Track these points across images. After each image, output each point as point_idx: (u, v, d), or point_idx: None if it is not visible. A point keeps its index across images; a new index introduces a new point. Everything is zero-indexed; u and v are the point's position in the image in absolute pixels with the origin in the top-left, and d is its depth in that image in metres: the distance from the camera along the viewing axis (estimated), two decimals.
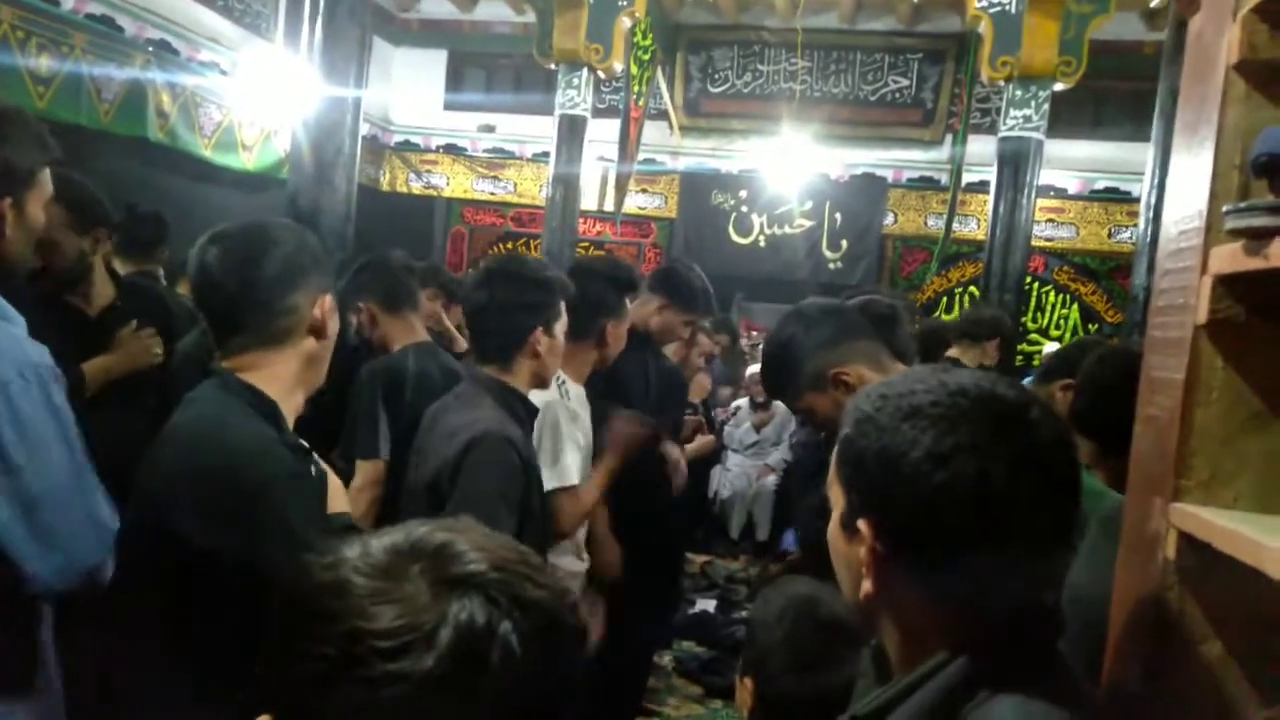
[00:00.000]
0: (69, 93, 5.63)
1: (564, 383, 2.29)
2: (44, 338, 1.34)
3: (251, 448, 1.22)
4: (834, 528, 0.86)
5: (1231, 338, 0.94)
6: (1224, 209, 0.89)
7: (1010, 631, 0.78)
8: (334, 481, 1.37)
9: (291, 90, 5.59)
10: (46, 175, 1.42)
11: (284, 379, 1.31)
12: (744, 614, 4.59)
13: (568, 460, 2.16)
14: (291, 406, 1.33)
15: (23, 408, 1.23)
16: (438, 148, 9.79)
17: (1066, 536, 0.80)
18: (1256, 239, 0.83)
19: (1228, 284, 0.92)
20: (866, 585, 0.80)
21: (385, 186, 9.75)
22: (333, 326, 1.36)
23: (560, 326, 1.93)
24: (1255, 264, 0.84)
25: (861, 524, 0.80)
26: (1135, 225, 6.58)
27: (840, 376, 1.54)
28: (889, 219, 9.09)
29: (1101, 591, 1.16)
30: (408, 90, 9.63)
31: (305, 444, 1.33)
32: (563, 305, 1.93)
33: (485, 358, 1.90)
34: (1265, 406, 0.95)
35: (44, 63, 5.48)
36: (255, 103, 7.20)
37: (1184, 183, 1.06)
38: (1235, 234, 0.87)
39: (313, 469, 1.31)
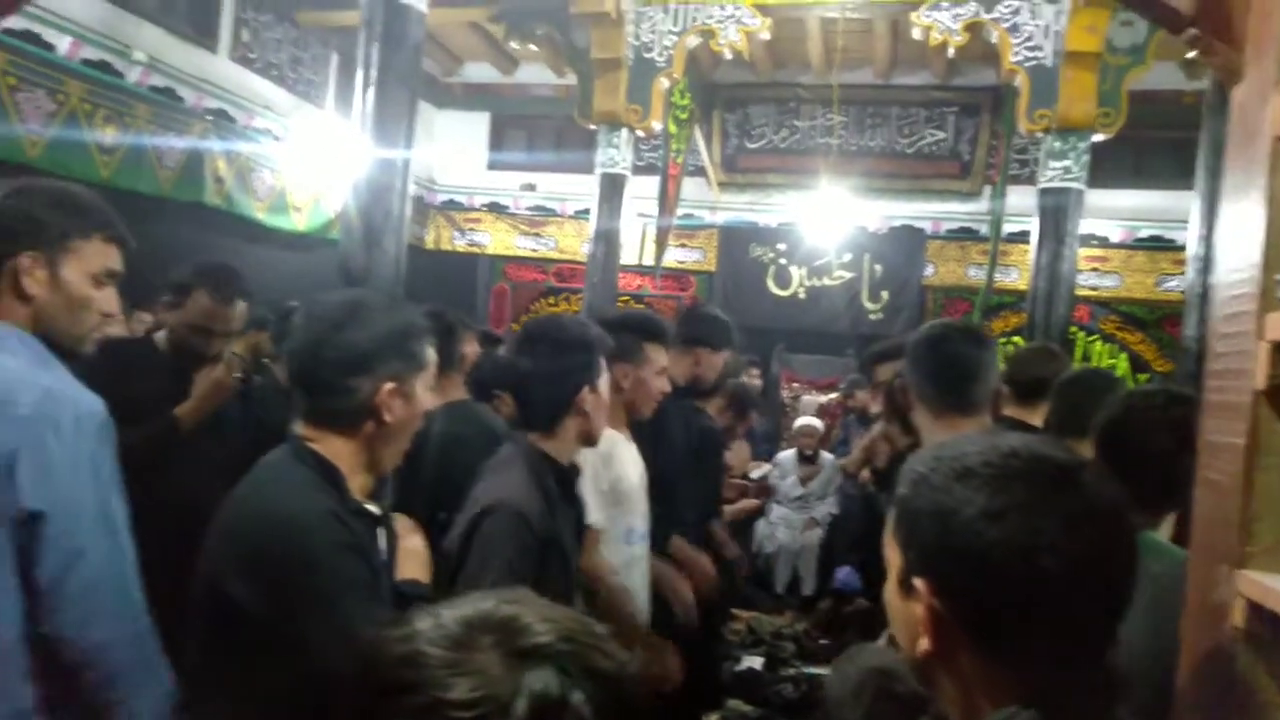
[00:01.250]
0: (132, 161, 5.88)
1: None
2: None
3: (305, 520, 1.24)
4: (891, 586, 0.87)
5: None
6: (1278, 277, 0.90)
7: (1068, 692, 0.78)
8: (408, 547, 1.37)
9: (342, 154, 5.78)
10: (96, 248, 1.42)
11: (344, 456, 1.33)
12: (792, 671, 4.50)
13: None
14: (357, 481, 1.34)
15: (67, 452, 1.26)
16: (481, 206, 10.03)
17: (1123, 595, 0.80)
18: None
19: None
20: (924, 643, 0.81)
21: (430, 244, 9.98)
22: (398, 413, 1.34)
23: (604, 382, 1.90)
24: None
25: (918, 582, 0.81)
26: (1182, 273, 6.48)
27: None
28: (928, 270, 9.07)
29: (1160, 648, 1.13)
30: (452, 151, 9.91)
31: (373, 511, 1.35)
32: (604, 361, 1.91)
33: (531, 424, 1.86)
34: None
35: (109, 133, 5.74)
36: (306, 166, 7.46)
37: (1234, 247, 1.06)
38: None
39: (381, 537, 1.33)
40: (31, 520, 1.23)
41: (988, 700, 0.79)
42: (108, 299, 1.45)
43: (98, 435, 1.31)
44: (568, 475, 1.88)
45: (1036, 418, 2.41)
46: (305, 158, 7.42)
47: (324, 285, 5.81)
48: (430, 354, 1.40)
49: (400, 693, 0.58)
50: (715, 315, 3.01)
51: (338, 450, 1.32)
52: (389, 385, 1.33)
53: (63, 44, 5.48)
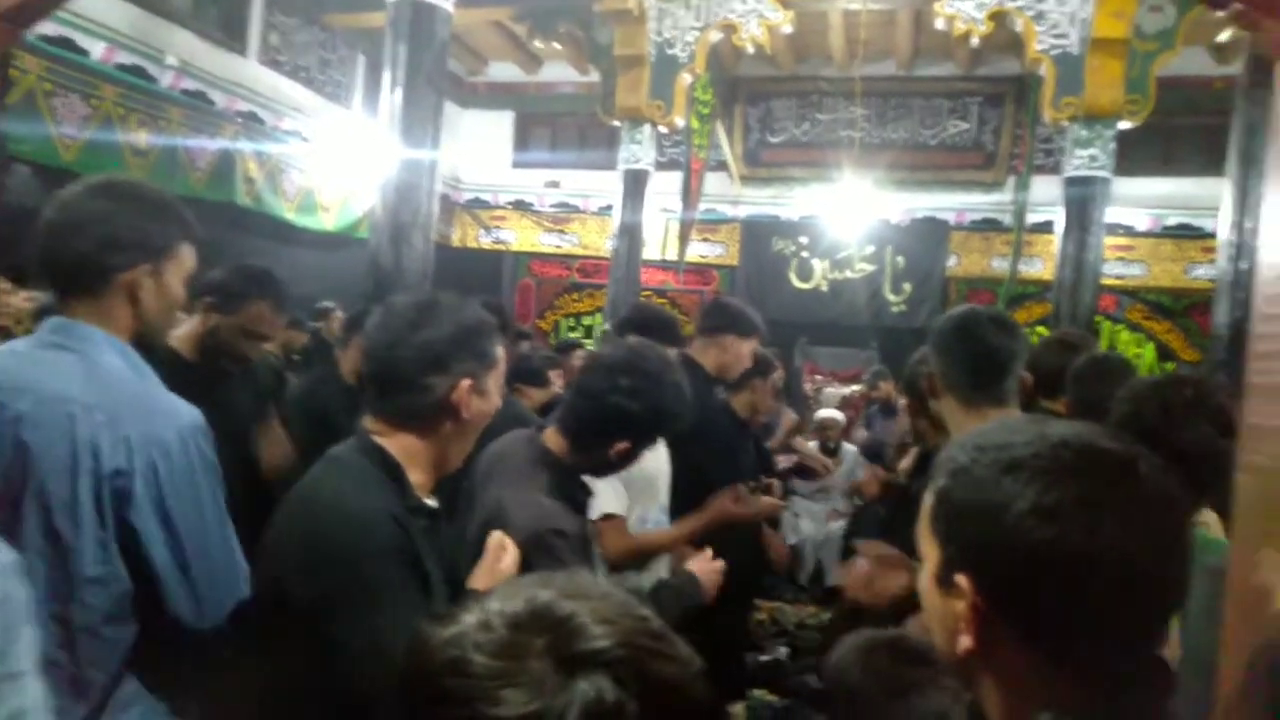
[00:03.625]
0: (165, 163, 5.98)
1: None
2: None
3: (360, 520, 1.25)
4: (929, 581, 0.83)
5: None
6: None
7: (1119, 691, 0.75)
8: (499, 567, 1.38)
9: (369, 154, 5.84)
10: (187, 250, 1.49)
11: (414, 453, 1.35)
12: (814, 660, 4.52)
13: (600, 496, 2.08)
14: (421, 479, 1.36)
15: (181, 468, 1.32)
16: (506, 204, 10.10)
17: (1179, 591, 0.76)
18: None
19: None
20: (965, 641, 0.77)
21: (456, 242, 10.06)
22: (475, 409, 1.36)
23: (646, 448, 1.83)
24: None
25: (960, 579, 0.77)
26: (1211, 261, 6.42)
27: None
28: (951, 261, 9.02)
29: (1217, 641, 1.13)
30: (477, 150, 9.98)
31: (433, 506, 1.38)
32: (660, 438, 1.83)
33: (564, 429, 1.79)
34: None
35: (142, 137, 5.84)
36: (334, 166, 7.54)
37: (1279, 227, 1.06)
38: None
39: (439, 535, 1.36)
40: (161, 522, 1.31)
41: (1031, 700, 0.76)
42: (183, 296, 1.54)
43: (202, 442, 1.37)
44: (586, 488, 1.85)
45: (1060, 408, 2.41)
46: (333, 158, 7.51)
47: (353, 284, 5.89)
48: (500, 351, 1.42)
49: (445, 703, 0.55)
50: (738, 304, 3.04)
51: (409, 447, 1.35)
52: (466, 383, 1.34)
53: (97, 49, 5.58)
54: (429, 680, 0.57)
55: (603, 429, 1.74)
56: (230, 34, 6.69)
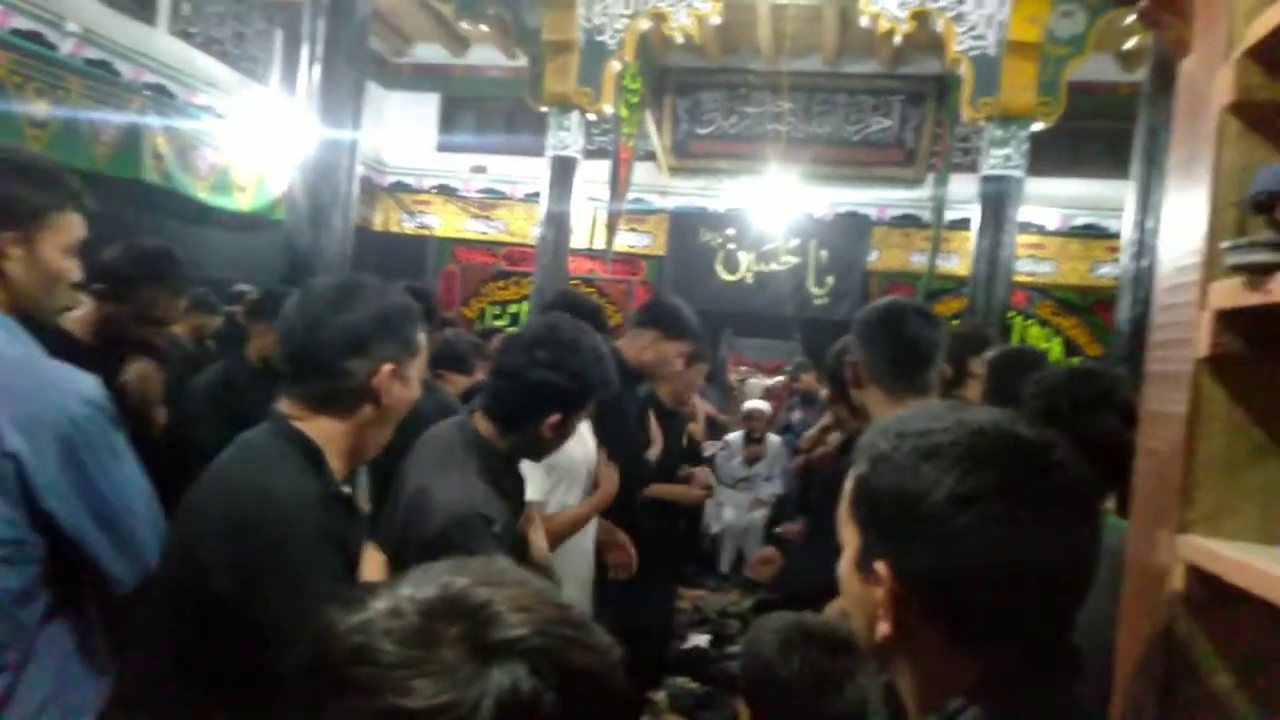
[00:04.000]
0: (65, 136, 5.65)
1: None
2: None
3: (285, 501, 1.22)
4: (847, 567, 0.84)
5: (1232, 371, 0.97)
6: (1223, 245, 0.92)
7: (1031, 674, 0.77)
8: (375, 557, 1.36)
9: (288, 133, 5.65)
10: (68, 220, 1.40)
11: (332, 438, 1.31)
12: (737, 649, 4.57)
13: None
14: (338, 465, 1.32)
15: (92, 434, 1.28)
16: (430, 188, 9.89)
17: (1088, 575, 0.78)
18: (1257, 275, 0.87)
19: (1228, 319, 0.95)
20: (884, 627, 0.78)
21: (378, 226, 9.81)
22: (395, 395, 1.33)
23: (579, 421, 1.81)
24: (1256, 299, 0.87)
25: (879, 565, 0.78)
26: (1115, 260, 6.70)
27: None
28: (873, 256, 9.22)
29: (1116, 615, 1.17)
30: (401, 132, 9.75)
31: (348, 495, 1.34)
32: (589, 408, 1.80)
33: (490, 413, 1.76)
34: (1266, 439, 0.97)
35: (41, 107, 5.51)
36: (251, 145, 7.26)
37: (1180, 220, 1.09)
38: (1236, 270, 0.90)
39: (355, 526, 1.32)
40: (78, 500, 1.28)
41: (947, 683, 0.77)
42: (75, 269, 1.44)
43: (104, 402, 1.33)
44: (518, 473, 1.82)
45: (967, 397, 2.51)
46: (249, 136, 7.22)
47: (270, 266, 5.68)
48: (422, 338, 1.39)
49: (352, 692, 0.52)
50: (676, 304, 2.98)
51: (327, 432, 1.31)
52: (388, 368, 1.31)
53: None
54: (335, 668, 0.54)
55: (529, 405, 1.71)
56: (138, 2, 6.37)
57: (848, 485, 0.84)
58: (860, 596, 0.81)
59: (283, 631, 1.12)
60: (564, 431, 1.76)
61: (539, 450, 1.80)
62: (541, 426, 1.71)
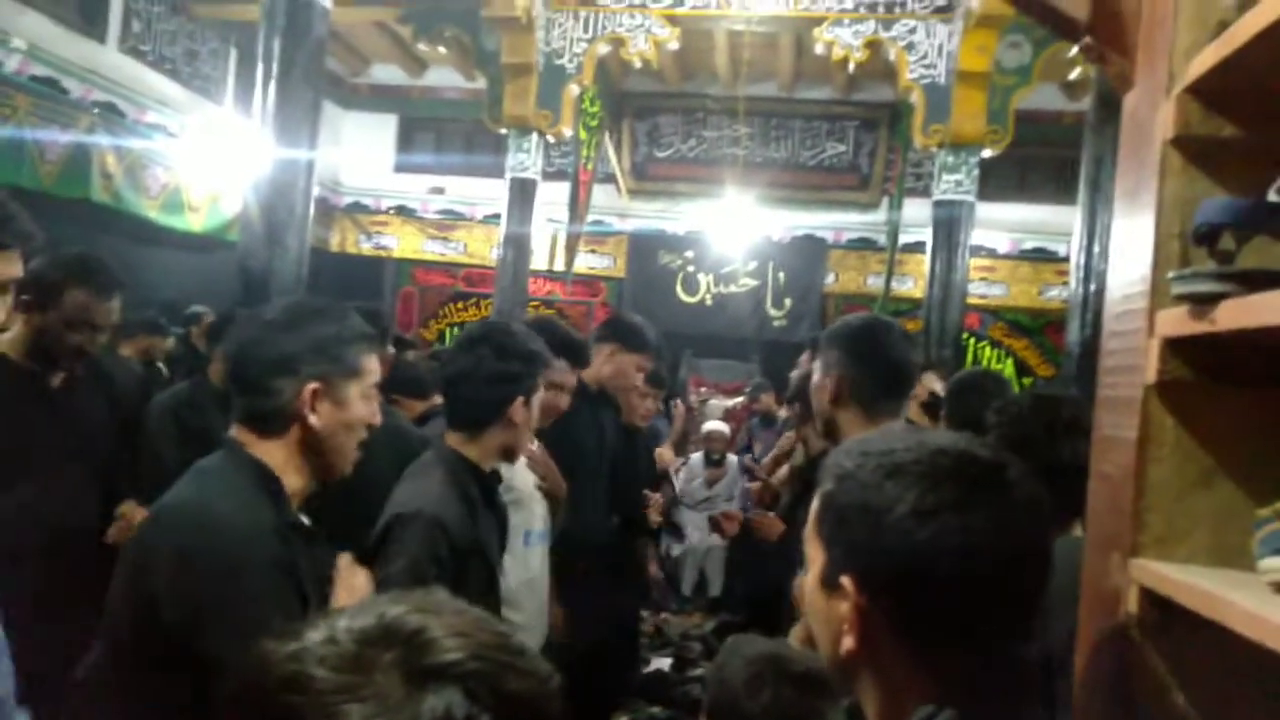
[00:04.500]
0: (9, 155, 5.51)
1: None
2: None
3: (234, 531, 1.20)
4: (812, 584, 0.86)
5: (1181, 397, 1.00)
6: (1169, 275, 0.95)
7: (992, 685, 0.79)
8: (352, 583, 1.32)
9: (242, 153, 5.57)
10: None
11: (276, 460, 1.29)
12: (699, 672, 4.55)
13: None
14: (293, 488, 1.30)
15: None
16: (388, 209, 9.81)
17: (1039, 586, 0.82)
18: (1202, 304, 0.89)
19: (1175, 346, 0.98)
20: (848, 642, 0.80)
21: (335, 247, 9.71)
22: (326, 416, 1.30)
23: (537, 400, 1.87)
24: (1202, 327, 0.90)
25: (845, 580, 0.80)
26: (1064, 283, 6.87)
27: None
28: (829, 278, 9.35)
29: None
30: (358, 153, 9.67)
31: (308, 525, 1.32)
32: (540, 379, 1.88)
33: (455, 424, 1.83)
34: (1215, 464, 1.00)
35: None
36: (203, 165, 7.14)
37: (1126, 249, 1.12)
38: (1181, 299, 0.93)
39: (314, 554, 1.29)
40: None
41: (910, 697, 0.79)
42: (4, 306, 1.39)
43: None
44: (490, 481, 1.84)
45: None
46: (202, 155, 7.11)
47: (224, 288, 5.57)
48: (369, 361, 1.36)
49: None
50: (633, 319, 3.00)
51: (270, 455, 1.29)
52: (312, 386, 1.29)
53: None
54: (266, 697, 0.53)
55: (491, 399, 1.79)
56: (86, 18, 6.24)
57: (814, 503, 0.87)
58: (825, 612, 0.84)
59: (228, 664, 1.10)
60: (528, 414, 1.85)
61: (515, 441, 1.86)
62: (509, 413, 1.79)
